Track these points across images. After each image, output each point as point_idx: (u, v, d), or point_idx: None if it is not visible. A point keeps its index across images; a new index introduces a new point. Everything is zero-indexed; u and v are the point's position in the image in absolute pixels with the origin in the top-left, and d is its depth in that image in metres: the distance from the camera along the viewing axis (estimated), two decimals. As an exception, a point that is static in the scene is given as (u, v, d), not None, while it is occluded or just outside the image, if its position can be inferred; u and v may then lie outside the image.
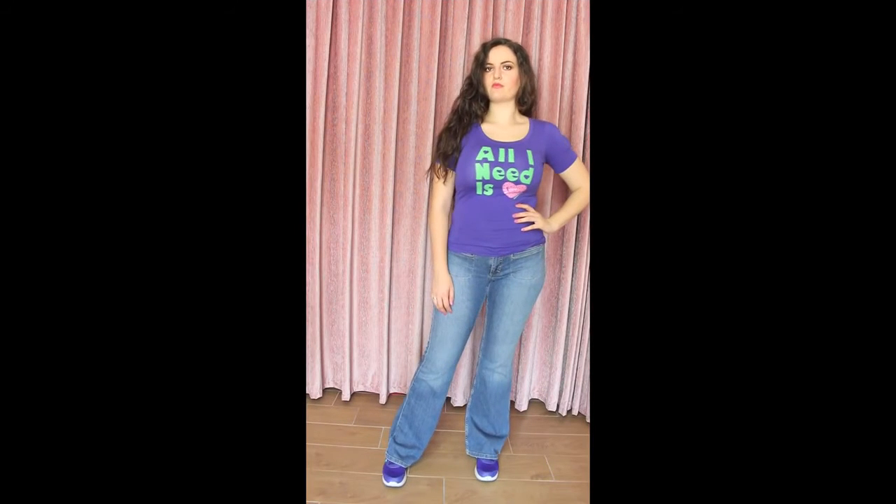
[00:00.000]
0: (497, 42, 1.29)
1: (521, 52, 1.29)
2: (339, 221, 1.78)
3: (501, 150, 1.26)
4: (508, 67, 1.26)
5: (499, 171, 1.24)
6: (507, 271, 1.32)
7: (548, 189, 1.71)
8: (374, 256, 1.80)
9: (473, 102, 1.30)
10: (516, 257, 1.31)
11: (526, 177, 1.25)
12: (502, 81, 1.25)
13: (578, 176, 1.38)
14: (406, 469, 1.43)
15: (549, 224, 1.33)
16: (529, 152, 1.26)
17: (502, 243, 1.29)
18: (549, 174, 1.68)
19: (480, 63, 1.28)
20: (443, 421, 1.62)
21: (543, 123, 1.34)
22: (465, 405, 1.72)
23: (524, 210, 1.28)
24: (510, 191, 1.26)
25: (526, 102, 1.32)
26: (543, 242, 1.38)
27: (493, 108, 1.32)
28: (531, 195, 1.32)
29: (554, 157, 1.34)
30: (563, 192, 1.73)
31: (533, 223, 1.29)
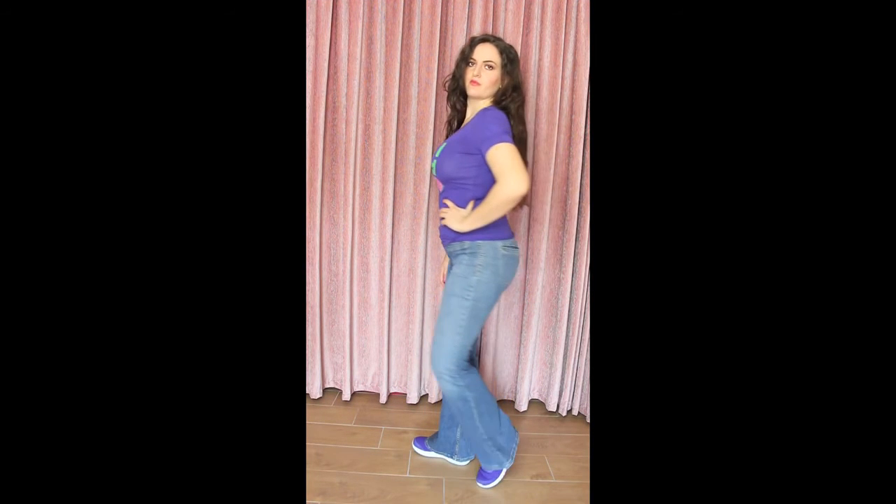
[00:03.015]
0: (484, 39, 1.28)
1: (507, 54, 1.26)
2: (339, 221, 1.78)
3: (441, 147, 1.33)
4: (490, 67, 1.25)
5: (433, 165, 1.35)
6: (451, 261, 1.37)
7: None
8: (374, 256, 1.80)
9: (453, 95, 1.35)
10: (450, 249, 1.34)
11: (433, 169, 1.30)
12: (480, 80, 1.25)
13: (494, 167, 1.16)
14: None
15: (461, 224, 1.23)
16: (444, 145, 1.29)
17: (441, 234, 1.37)
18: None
19: (465, 57, 1.29)
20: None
21: (484, 111, 1.24)
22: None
23: (446, 205, 1.31)
24: (439, 184, 1.34)
25: (503, 102, 1.26)
26: (481, 241, 1.25)
27: (468, 102, 1.34)
28: (460, 187, 1.26)
29: (477, 145, 1.19)
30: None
31: (445, 219, 1.29)
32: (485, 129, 1.18)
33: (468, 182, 1.24)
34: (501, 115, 1.21)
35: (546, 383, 1.89)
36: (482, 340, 1.83)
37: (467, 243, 1.27)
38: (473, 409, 1.30)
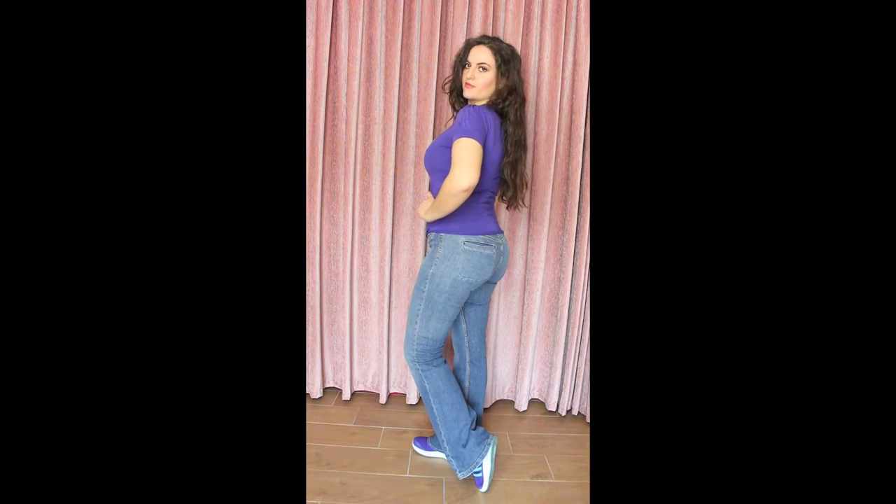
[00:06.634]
0: (479, 42, 1.28)
1: (501, 54, 1.25)
2: (340, 221, 1.78)
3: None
4: (484, 69, 1.25)
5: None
6: None
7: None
8: (374, 256, 1.80)
9: (452, 97, 1.38)
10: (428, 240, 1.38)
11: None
12: (474, 82, 1.25)
13: (452, 160, 1.16)
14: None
15: (425, 214, 1.30)
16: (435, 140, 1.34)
17: None
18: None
19: (460, 59, 1.30)
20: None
21: (464, 108, 1.23)
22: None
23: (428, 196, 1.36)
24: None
25: (499, 106, 1.25)
26: (444, 234, 1.28)
27: (468, 104, 1.33)
28: (442, 178, 1.26)
29: (451, 138, 1.20)
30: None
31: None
32: (458, 124, 1.19)
33: (445, 173, 1.25)
34: (480, 113, 1.19)
35: (546, 383, 1.89)
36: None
37: (433, 234, 1.32)
38: (431, 399, 1.37)
